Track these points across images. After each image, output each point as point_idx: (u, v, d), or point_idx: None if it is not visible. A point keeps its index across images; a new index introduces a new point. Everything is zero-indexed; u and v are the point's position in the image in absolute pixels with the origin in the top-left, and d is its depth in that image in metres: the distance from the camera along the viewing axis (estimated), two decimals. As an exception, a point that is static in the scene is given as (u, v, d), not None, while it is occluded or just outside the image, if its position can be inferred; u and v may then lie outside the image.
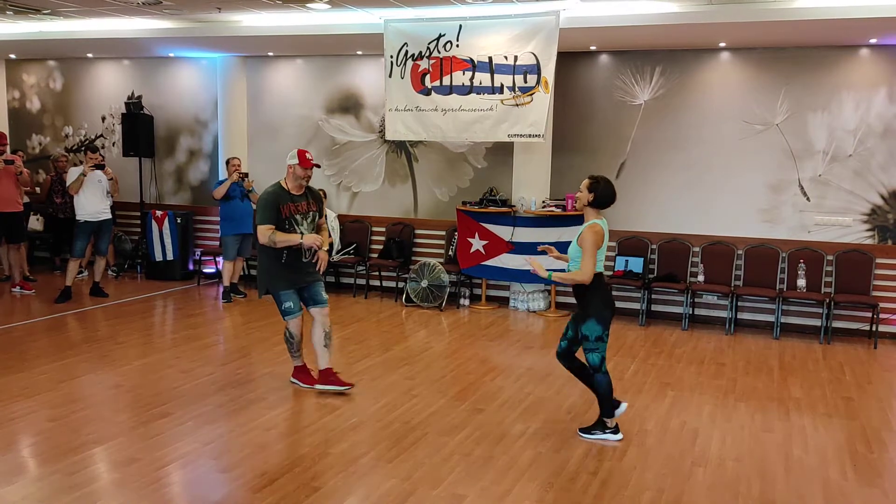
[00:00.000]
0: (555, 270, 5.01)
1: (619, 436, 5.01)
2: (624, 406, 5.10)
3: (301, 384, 5.96)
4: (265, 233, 5.56)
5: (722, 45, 8.29)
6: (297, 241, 5.59)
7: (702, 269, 8.49)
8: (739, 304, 8.45)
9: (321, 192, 9.98)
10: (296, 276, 5.74)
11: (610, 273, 8.77)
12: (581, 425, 5.22)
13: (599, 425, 5.05)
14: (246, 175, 9.10)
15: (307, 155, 5.70)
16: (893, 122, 7.94)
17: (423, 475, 4.41)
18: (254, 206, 8.50)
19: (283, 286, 5.73)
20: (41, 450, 4.66)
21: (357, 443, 4.87)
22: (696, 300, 8.66)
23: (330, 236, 9.71)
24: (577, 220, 8.50)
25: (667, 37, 7.89)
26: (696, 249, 8.63)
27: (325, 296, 5.90)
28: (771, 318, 8.29)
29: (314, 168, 5.75)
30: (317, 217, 5.89)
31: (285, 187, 5.72)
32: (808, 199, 8.28)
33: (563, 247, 8.58)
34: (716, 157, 8.55)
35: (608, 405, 5.00)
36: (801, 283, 8.10)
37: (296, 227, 5.69)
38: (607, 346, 5.00)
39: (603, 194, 4.86)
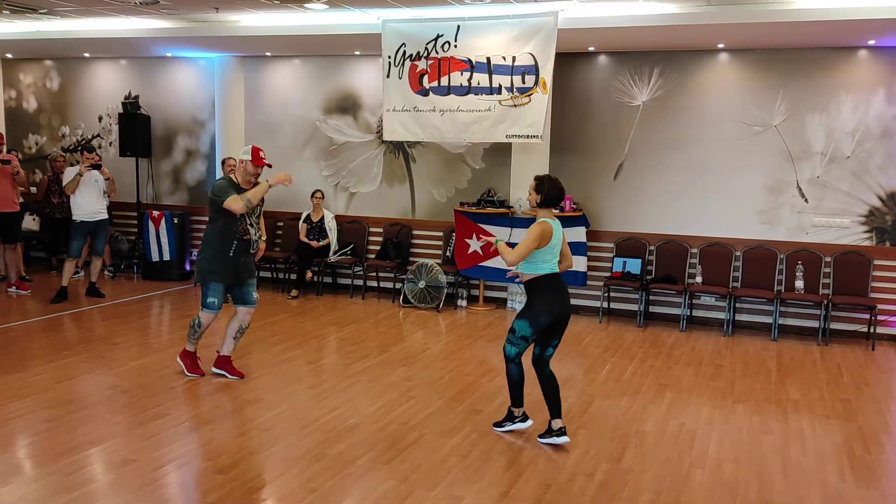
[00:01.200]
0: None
1: (529, 422, 5.11)
2: (529, 423, 5.13)
3: (183, 367, 6.17)
4: (237, 200, 5.69)
5: (720, 46, 8.29)
6: (266, 187, 5.79)
7: (700, 270, 8.49)
8: (737, 305, 8.45)
9: (319, 192, 9.95)
10: (233, 273, 5.95)
11: (608, 274, 8.77)
12: (579, 427, 5.22)
13: (509, 416, 5.14)
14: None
15: (261, 153, 5.82)
16: (892, 124, 7.94)
17: (420, 477, 4.40)
18: None
19: (216, 278, 5.93)
20: (38, 450, 4.64)
21: (354, 444, 4.85)
22: (694, 301, 8.66)
23: (327, 237, 9.79)
24: (576, 221, 8.52)
25: (665, 38, 7.88)
26: (695, 251, 8.62)
27: (255, 297, 6.15)
28: (769, 319, 8.29)
29: (265, 167, 5.87)
30: (261, 210, 6.12)
31: (235, 181, 5.86)
32: (806, 200, 8.28)
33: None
34: (714, 159, 8.55)
35: (516, 395, 5.06)
36: (800, 284, 8.10)
37: (247, 219, 5.89)
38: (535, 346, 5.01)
39: (549, 192, 4.97)
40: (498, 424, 5.17)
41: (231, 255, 5.88)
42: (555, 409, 4.95)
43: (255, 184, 5.90)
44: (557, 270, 4.95)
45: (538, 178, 5.03)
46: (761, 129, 8.35)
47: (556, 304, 4.88)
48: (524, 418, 5.12)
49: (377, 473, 4.43)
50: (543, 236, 4.83)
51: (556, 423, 4.94)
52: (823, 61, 8.12)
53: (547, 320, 4.86)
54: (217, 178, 9.65)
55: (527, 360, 5.02)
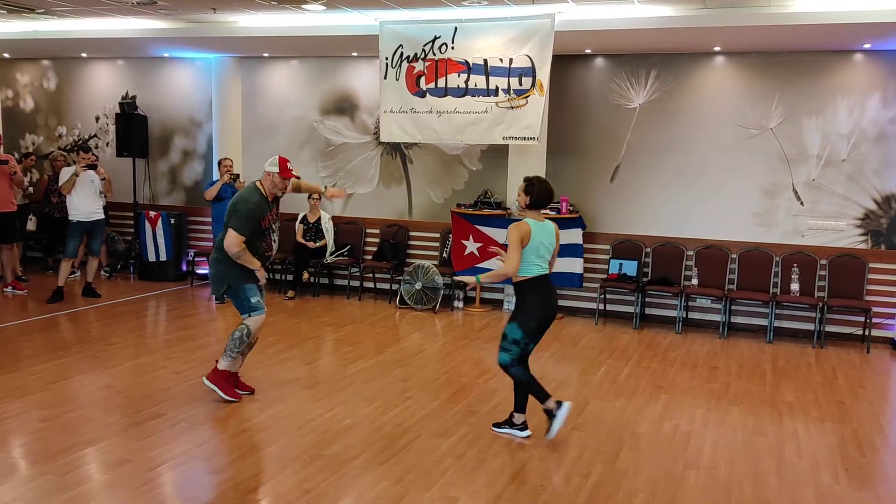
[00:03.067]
0: (484, 272, 5.06)
1: (565, 408, 4.95)
2: (566, 406, 4.97)
3: (219, 392, 5.52)
4: (237, 243, 5.26)
5: (717, 49, 8.31)
6: (256, 266, 5.41)
7: (696, 272, 8.50)
8: (733, 307, 8.46)
9: (316, 194, 9.76)
10: (254, 275, 5.52)
11: (604, 276, 8.79)
12: (575, 428, 5.23)
13: (548, 417, 4.99)
14: (237, 176, 9.08)
15: (288, 164, 5.47)
16: (887, 127, 7.97)
17: (415, 477, 4.40)
18: None
19: (246, 280, 5.45)
20: (32, 450, 4.64)
21: (350, 445, 4.86)
22: (690, 304, 8.67)
23: (324, 238, 9.79)
24: (572, 223, 8.54)
25: (662, 40, 7.90)
26: (690, 253, 8.64)
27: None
28: (764, 321, 8.31)
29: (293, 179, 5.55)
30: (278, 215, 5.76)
31: (263, 193, 5.45)
32: (801, 203, 8.30)
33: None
34: (710, 161, 8.57)
35: (537, 391, 4.95)
36: (795, 287, 8.12)
37: (272, 234, 5.56)
38: (522, 352, 4.98)
39: (539, 194, 4.94)
40: (551, 431, 4.99)
41: (243, 266, 5.45)
42: (520, 404, 5.06)
43: (277, 197, 5.52)
44: (547, 272, 4.97)
45: (527, 180, 5.00)
46: (757, 132, 8.37)
47: (544, 306, 4.91)
48: (559, 405, 4.94)
49: (373, 474, 4.43)
50: (523, 235, 4.82)
51: (520, 418, 5.05)
52: (819, 65, 8.14)
53: (536, 324, 4.89)
54: (213, 179, 9.64)
55: (533, 356, 4.99)
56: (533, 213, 4.96)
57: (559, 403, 4.95)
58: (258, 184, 5.49)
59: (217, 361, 5.61)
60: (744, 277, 8.39)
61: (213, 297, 9.11)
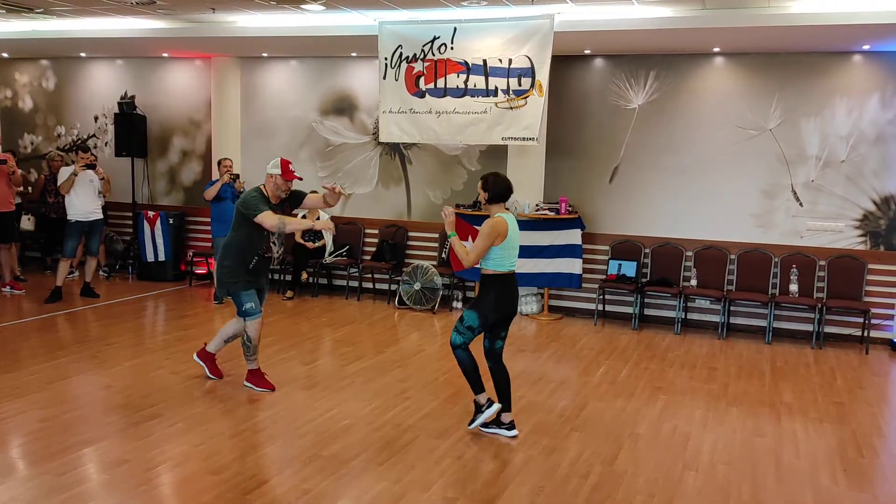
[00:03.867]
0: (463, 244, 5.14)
1: (496, 406, 5.06)
2: (496, 406, 5.07)
3: (257, 388, 5.86)
4: (273, 217, 5.44)
5: (716, 50, 8.32)
6: (309, 224, 5.72)
7: (695, 273, 8.50)
8: (732, 308, 8.47)
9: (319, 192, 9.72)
10: (255, 279, 5.74)
11: (603, 277, 8.79)
12: (574, 429, 5.23)
13: (476, 409, 5.11)
14: (237, 176, 9.07)
15: (290, 166, 5.56)
16: (886, 129, 7.97)
17: (414, 478, 4.40)
18: None
19: (244, 286, 5.67)
20: (31, 450, 4.63)
21: (348, 445, 4.85)
22: (689, 304, 8.67)
23: (323, 238, 9.78)
24: (571, 223, 8.54)
25: (661, 41, 7.90)
26: (690, 254, 8.64)
27: (260, 305, 5.87)
28: (763, 322, 8.31)
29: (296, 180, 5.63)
30: None
31: (265, 193, 5.60)
32: (800, 204, 8.30)
33: (555, 251, 8.62)
34: (709, 162, 8.57)
35: (474, 379, 5.05)
36: (794, 288, 8.12)
37: (273, 236, 5.68)
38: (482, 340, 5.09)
39: (495, 188, 5.00)
40: (473, 423, 5.14)
41: (250, 268, 5.67)
42: (506, 403, 5.08)
43: (284, 200, 5.69)
44: (515, 269, 5.03)
45: (483, 177, 5.08)
46: (756, 133, 8.38)
47: (506, 302, 5.00)
48: (489, 403, 5.08)
49: (371, 474, 4.43)
50: (499, 232, 4.88)
51: (507, 417, 5.08)
52: (818, 66, 8.15)
53: (495, 317, 5.00)
54: (213, 179, 9.63)
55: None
56: (497, 207, 5.02)
57: (490, 402, 5.07)
58: (262, 187, 5.61)
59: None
60: (743, 278, 8.39)
61: (212, 297, 9.18)
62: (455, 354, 5.07)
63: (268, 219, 5.44)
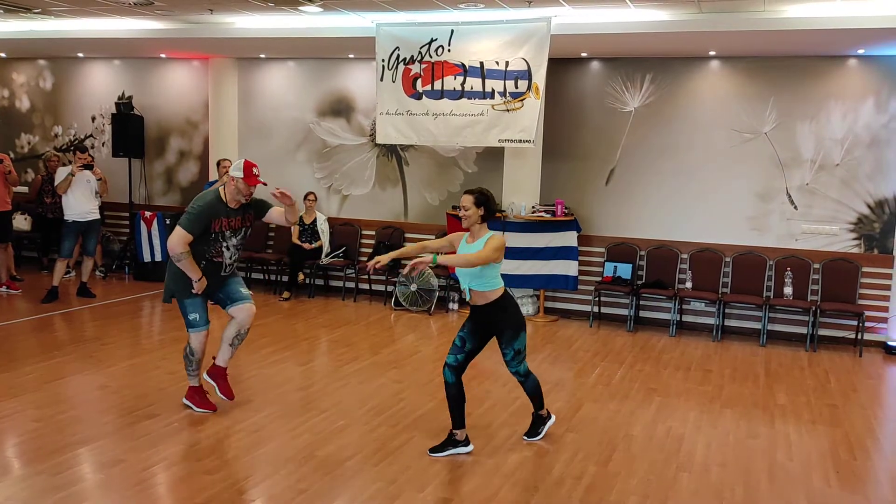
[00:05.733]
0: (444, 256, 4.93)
1: (553, 418, 5.21)
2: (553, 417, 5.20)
3: (194, 407, 5.38)
4: (181, 242, 4.95)
5: (711, 53, 8.35)
6: (196, 277, 5.07)
7: (690, 275, 8.53)
8: (726, 311, 8.49)
9: (312, 195, 9.69)
10: (207, 286, 5.20)
11: (599, 279, 8.81)
12: (568, 430, 5.25)
13: (539, 422, 5.14)
14: (237, 177, 9.05)
15: (254, 170, 5.04)
16: (881, 132, 8.01)
17: (409, 478, 4.42)
18: None
19: (190, 294, 5.16)
20: (26, 450, 4.64)
21: (343, 446, 4.87)
22: (684, 307, 8.70)
23: (319, 239, 9.79)
24: (567, 225, 8.56)
25: (657, 44, 7.93)
26: (685, 256, 8.67)
27: (244, 291, 5.36)
28: (758, 325, 8.34)
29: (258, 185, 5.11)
30: (248, 233, 5.31)
31: (223, 199, 5.11)
32: (795, 207, 8.33)
33: (551, 253, 8.64)
34: (705, 165, 8.60)
35: (540, 400, 5.10)
36: (788, 290, 8.14)
37: (223, 241, 5.14)
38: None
39: (490, 206, 4.81)
40: (538, 435, 5.12)
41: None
42: (459, 420, 4.81)
43: (247, 207, 5.18)
44: None
45: (475, 192, 4.81)
46: (752, 136, 8.41)
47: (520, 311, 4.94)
48: (549, 415, 5.21)
49: (366, 475, 4.45)
50: (502, 249, 4.78)
51: (462, 434, 4.86)
52: (813, 69, 8.18)
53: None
54: (212, 180, 9.64)
55: (527, 357, 4.94)
56: (485, 227, 4.84)
57: (467, 440, 4.83)
58: (221, 190, 5.16)
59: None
60: (737, 281, 8.42)
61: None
62: (529, 381, 4.96)
63: (177, 238, 4.95)
